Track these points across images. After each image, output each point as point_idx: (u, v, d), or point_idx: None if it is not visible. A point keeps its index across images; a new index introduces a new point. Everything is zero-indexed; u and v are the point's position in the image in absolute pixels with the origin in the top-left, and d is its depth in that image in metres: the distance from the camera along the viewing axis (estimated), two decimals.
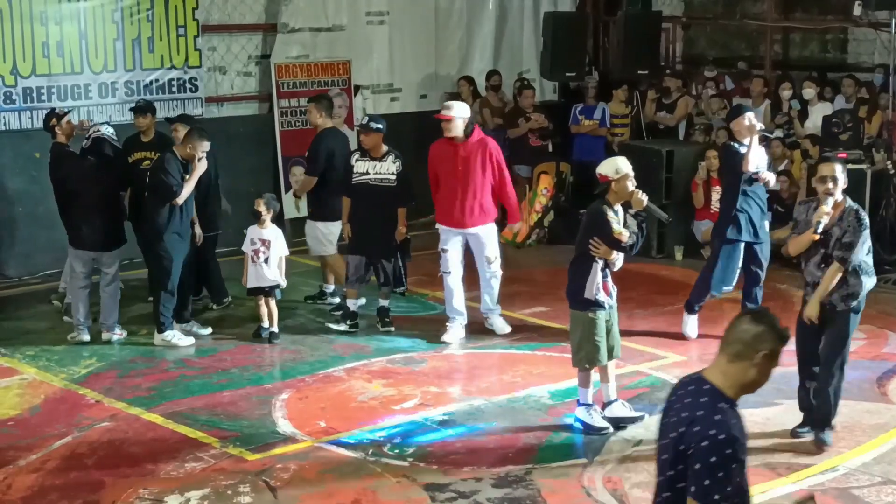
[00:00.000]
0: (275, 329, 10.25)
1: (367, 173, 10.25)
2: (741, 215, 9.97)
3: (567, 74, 14.76)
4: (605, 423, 8.14)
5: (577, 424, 8.16)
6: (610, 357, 8.22)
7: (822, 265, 7.76)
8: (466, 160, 10.07)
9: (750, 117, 9.88)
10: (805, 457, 7.67)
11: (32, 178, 12.17)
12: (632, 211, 8.11)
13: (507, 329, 10.39)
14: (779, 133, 13.66)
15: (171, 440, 8.03)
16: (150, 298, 10.42)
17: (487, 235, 10.23)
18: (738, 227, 9.99)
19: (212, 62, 13.67)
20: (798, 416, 8.31)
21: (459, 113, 10.11)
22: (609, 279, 8.19)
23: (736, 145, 9.92)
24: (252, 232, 10.27)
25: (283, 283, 10.28)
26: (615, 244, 8.04)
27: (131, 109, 11.38)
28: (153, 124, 10.95)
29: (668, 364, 9.59)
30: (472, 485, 7.24)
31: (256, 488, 7.20)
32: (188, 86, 13.34)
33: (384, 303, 10.53)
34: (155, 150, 10.64)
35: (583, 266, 8.11)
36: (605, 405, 8.27)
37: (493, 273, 10.29)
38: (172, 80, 13.22)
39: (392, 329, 10.42)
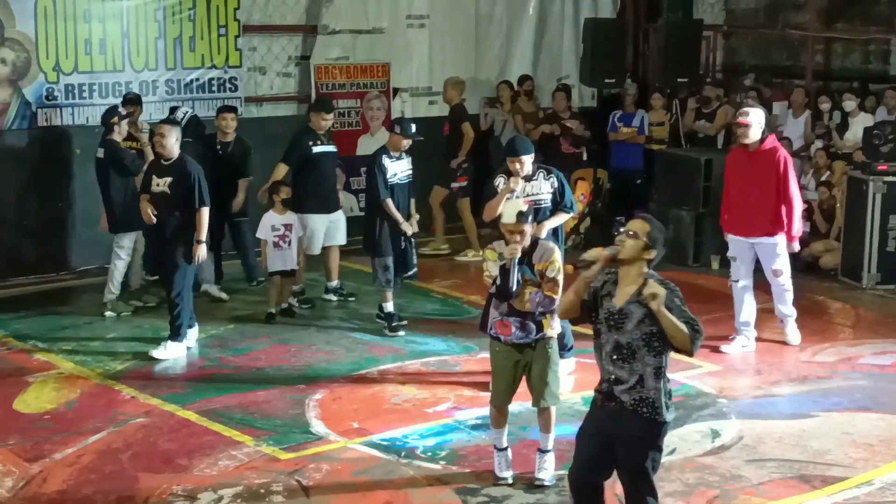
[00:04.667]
0: (292, 301, 11.04)
1: (396, 174, 10.42)
2: None
3: (606, 81, 14.70)
4: (505, 474, 7.36)
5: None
6: (534, 403, 7.41)
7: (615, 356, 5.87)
8: (758, 168, 9.97)
9: None
10: (840, 469, 7.60)
11: (74, 174, 12.25)
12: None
13: (797, 341, 10.28)
14: (819, 143, 13.57)
15: (204, 437, 8.06)
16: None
17: (775, 247, 10.08)
18: None
19: (252, 62, 13.73)
20: (833, 429, 8.26)
21: (756, 119, 9.94)
22: (512, 318, 7.18)
23: None
24: (272, 219, 10.75)
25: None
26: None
27: (123, 100, 11.73)
28: (138, 116, 11.41)
29: (703, 373, 9.54)
30: (504, 490, 7.22)
31: (289, 488, 7.22)
32: (228, 85, 13.42)
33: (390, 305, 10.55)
34: (137, 140, 11.10)
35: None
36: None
37: (780, 286, 10.20)
38: (213, 79, 13.30)
39: (402, 333, 10.46)
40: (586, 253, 5.79)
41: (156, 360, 9.69)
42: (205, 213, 9.67)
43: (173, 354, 9.74)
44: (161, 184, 9.77)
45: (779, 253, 10.09)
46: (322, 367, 9.66)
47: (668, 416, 5.82)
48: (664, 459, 7.62)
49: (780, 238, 10.04)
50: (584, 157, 14.64)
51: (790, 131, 14.06)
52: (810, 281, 12.60)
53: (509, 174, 8.75)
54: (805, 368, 9.71)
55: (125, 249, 10.87)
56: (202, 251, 9.72)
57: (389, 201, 10.33)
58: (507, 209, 7.21)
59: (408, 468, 7.57)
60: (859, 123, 13.32)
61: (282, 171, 11.04)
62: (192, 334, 10.05)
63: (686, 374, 9.49)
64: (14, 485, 7.24)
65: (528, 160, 8.77)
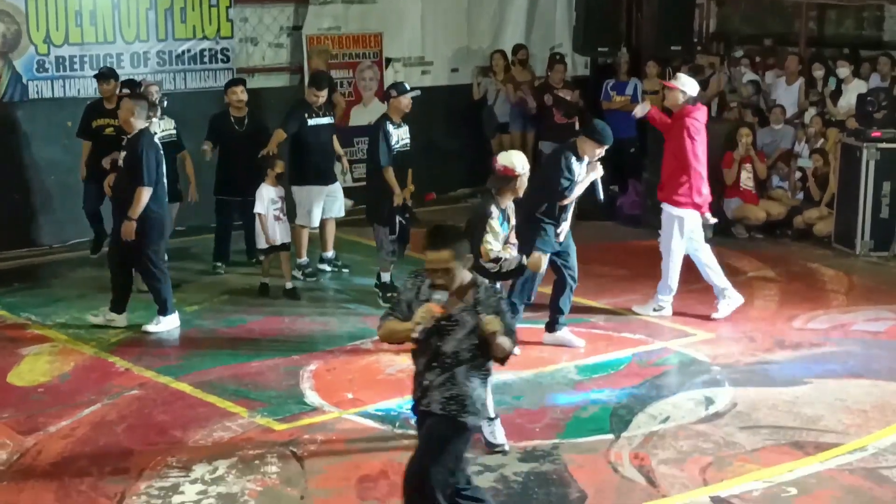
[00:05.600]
0: (296, 274, 10.93)
1: (399, 141, 10.43)
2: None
3: (600, 50, 14.65)
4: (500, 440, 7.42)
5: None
6: None
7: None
8: (670, 134, 10.11)
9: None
10: (833, 436, 7.62)
11: (64, 147, 12.21)
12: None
13: (648, 311, 10.22)
14: (814, 111, 13.55)
15: (199, 409, 8.06)
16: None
17: (664, 215, 10.15)
18: None
19: (243, 33, 13.66)
20: (826, 396, 8.29)
21: (682, 85, 10.06)
22: None
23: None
24: (268, 192, 10.57)
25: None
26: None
27: (95, 76, 11.62)
28: (115, 91, 11.25)
29: (697, 341, 9.56)
30: (498, 459, 7.24)
31: (284, 458, 7.23)
32: (220, 56, 13.35)
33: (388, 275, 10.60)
34: (117, 117, 10.76)
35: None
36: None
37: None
38: (204, 50, 13.23)
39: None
40: (417, 316, 5.58)
41: (149, 333, 9.68)
42: (142, 192, 9.38)
43: (167, 327, 9.73)
44: (120, 159, 9.74)
45: (663, 221, 10.08)
46: (316, 338, 9.66)
47: (472, 420, 5.75)
48: (658, 427, 7.70)
49: (669, 208, 10.00)
50: (577, 126, 14.58)
51: (783, 99, 14.04)
52: (804, 248, 12.63)
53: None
54: (798, 335, 9.72)
55: None
56: (129, 229, 9.42)
57: (390, 170, 10.31)
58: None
59: (402, 438, 7.57)
60: (853, 90, 13.29)
61: (281, 136, 11.00)
62: (171, 320, 9.86)
63: (680, 341, 9.52)
64: (8, 458, 7.25)
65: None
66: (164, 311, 9.75)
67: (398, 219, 10.47)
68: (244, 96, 11.30)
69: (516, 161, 7.90)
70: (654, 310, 10.19)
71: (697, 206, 10.01)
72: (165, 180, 9.72)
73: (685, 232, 10.04)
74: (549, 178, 9.05)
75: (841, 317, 10.25)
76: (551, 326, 9.45)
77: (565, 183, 8.98)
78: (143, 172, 9.37)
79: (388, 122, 10.39)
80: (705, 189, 10.04)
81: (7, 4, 12.05)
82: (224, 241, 11.55)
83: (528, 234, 8.71)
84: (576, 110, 14.48)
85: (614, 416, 7.97)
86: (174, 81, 12.98)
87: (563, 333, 9.43)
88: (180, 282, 11.09)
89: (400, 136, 10.45)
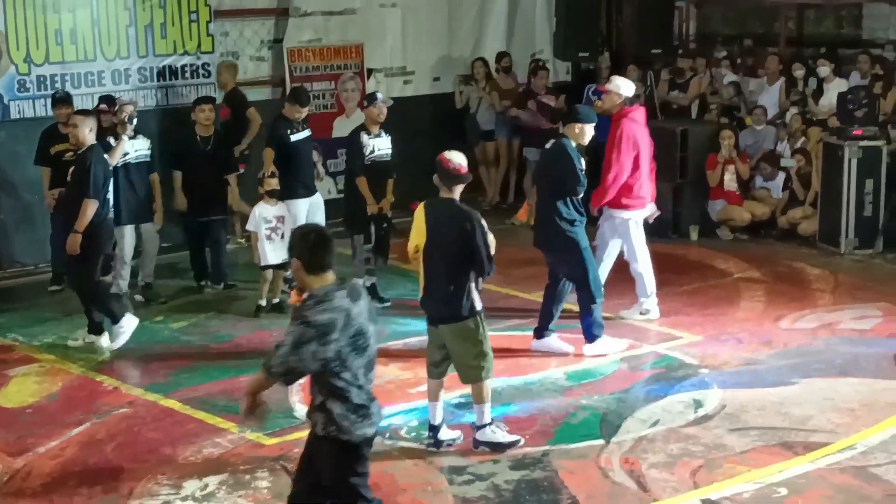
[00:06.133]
0: (277, 298, 10.74)
1: (374, 151, 10.56)
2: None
3: (580, 55, 14.68)
4: (514, 436, 7.60)
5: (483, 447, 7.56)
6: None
7: None
8: (609, 137, 10.14)
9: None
10: (823, 435, 7.64)
11: None
12: None
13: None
14: (794, 110, 13.59)
15: (188, 426, 8.05)
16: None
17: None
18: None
19: (224, 47, 13.65)
20: (814, 395, 8.30)
21: (615, 88, 10.13)
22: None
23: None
24: (263, 210, 10.50)
25: None
26: (488, 254, 7.39)
27: (52, 100, 11.49)
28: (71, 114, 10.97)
29: (684, 344, 9.57)
30: (489, 467, 7.25)
31: (274, 473, 7.23)
32: (201, 71, 13.33)
33: (373, 280, 10.72)
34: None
35: (462, 278, 7.39)
36: (435, 428, 7.65)
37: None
38: (185, 65, 13.21)
39: (389, 303, 10.66)
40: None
41: (136, 350, 9.67)
42: (88, 205, 9.37)
43: (106, 343, 9.69)
44: (70, 174, 9.75)
45: (617, 227, 10.12)
46: None
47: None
48: (647, 431, 7.71)
49: (619, 212, 10.04)
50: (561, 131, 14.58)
51: (764, 99, 14.08)
52: (788, 248, 12.67)
53: None
54: (785, 336, 9.75)
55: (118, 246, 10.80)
56: (74, 241, 9.41)
57: (363, 180, 10.45)
58: None
59: (393, 449, 7.58)
60: (834, 89, 13.34)
61: (271, 155, 10.92)
62: (128, 322, 9.76)
63: (667, 344, 9.54)
64: None
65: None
66: (94, 329, 9.72)
67: (372, 227, 10.60)
68: (212, 115, 11.19)
69: (463, 161, 7.59)
70: (641, 314, 10.21)
71: (641, 205, 10.10)
72: (115, 198, 9.87)
73: (639, 229, 10.14)
74: (562, 171, 9.12)
75: (828, 316, 10.28)
76: (540, 333, 9.45)
77: (580, 168, 9.10)
78: (89, 185, 9.39)
79: (361, 133, 10.56)
80: (647, 186, 10.14)
81: None
82: (200, 260, 11.43)
83: (557, 237, 9.01)
84: (560, 116, 14.49)
85: (604, 421, 7.98)
86: (156, 97, 12.97)
87: (552, 340, 9.44)
88: (166, 298, 11.09)
89: (377, 145, 10.56)
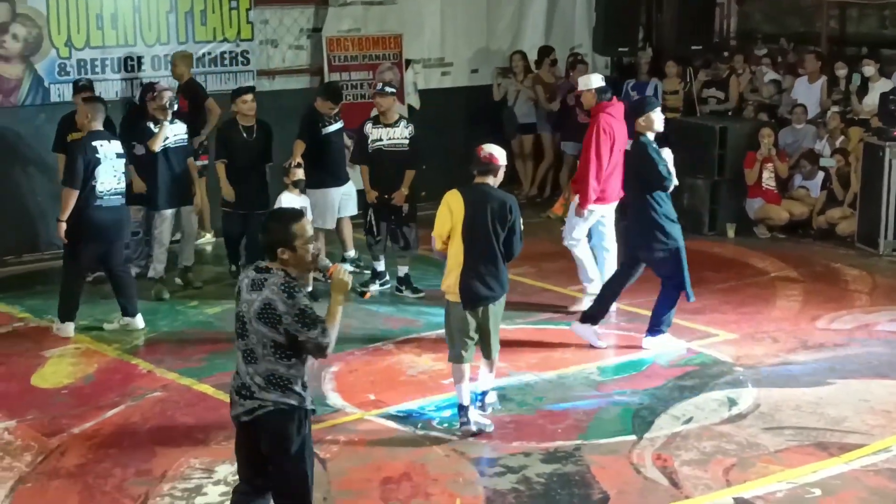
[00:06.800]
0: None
1: (381, 140, 10.63)
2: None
3: (620, 49, 14.63)
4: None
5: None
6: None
7: None
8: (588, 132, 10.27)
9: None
10: (858, 437, 7.58)
11: None
12: None
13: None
14: (835, 109, 13.49)
15: (221, 411, 8.01)
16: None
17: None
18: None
19: (264, 35, 13.68)
20: (850, 396, 8.24)
21: (586, 86, 10.33)
22: None
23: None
24: (288, 199, 10.45)
25: None
26: (521, 240, 7.69)
27: (76, 87, 11.44)
28: None
29: (719, 342, 9.52)
30: (520, 459, 7.23)
31: None
32: (240, 59, 13.37)
33: (406, 269, 10.81)
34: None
35: (500, 260, 7.65)
36: (465, 409, 7.75)
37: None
38: (224, 52, 13.26)
39: (423, 293, 10.67)
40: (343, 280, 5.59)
41: (170, 335, 9.74)
42: (65, 193, 9.50)
43: (62, 334, 9.70)
44: None
45: (569, 217, 10.26)
46: (337, 340, 9.60)
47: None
48: (680, 428, 7.68)
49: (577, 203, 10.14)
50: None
51: (805, 98, 13.97)
52: (826, 248, 12.57)
53: None
54: (822, 336, 9.68)
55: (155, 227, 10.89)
56: (59, 229, 9.56)
57: (362, 168, 10.76)
58: None
59: (424, 439, 7.59)
60: (878, 89, 13.23)
61: (300, 147, 10.98)
62: (66, 329, 9.75)
63: (702, 342, 9.49)
64: (33, 459, 7.28)
65: None
66: (62, 316, 9.75)
67: (371, 216, 10.74)
68: (254, 105, 11.03)
69: (498, 152, 7.74)
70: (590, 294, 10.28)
71: (601, 200, 10.12)
72: (120, 185, 9.63)
73: (587, 225, 10.22)
74: (646, 169, 9.08)
75: (865, 317, 10.19)
76: (655, 331, 9.39)
77: (662, 163, 9.04)
78: (68, 175, 9.54)
79: (367, 123, 10.74)
80: (615, 181, 10.10)
81: (28, 8, 12.10)
82: (236, 251, 11.26)
83: (649, 235, 8.99)
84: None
85: (637, 417, 7.95)
86: None
87: (665, 338, 9.37)
88: (202, 284, 11.14)
89: (386, 135, 10.64)
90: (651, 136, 9.16)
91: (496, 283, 7.65)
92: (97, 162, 9.50)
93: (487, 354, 7.87)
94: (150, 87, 11.42)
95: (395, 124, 10.67)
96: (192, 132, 11.49)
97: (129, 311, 9.88)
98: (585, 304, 9.93)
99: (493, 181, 7.67)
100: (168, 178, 10.71)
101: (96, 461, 7.25)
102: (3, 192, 12.19)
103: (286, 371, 5.52)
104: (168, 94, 10.80)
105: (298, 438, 5.57)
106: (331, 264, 5.58)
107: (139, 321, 9.90)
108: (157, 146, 10.50)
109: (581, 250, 10.28)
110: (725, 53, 15.56)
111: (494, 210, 7.53)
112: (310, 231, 5.54)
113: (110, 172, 9.57)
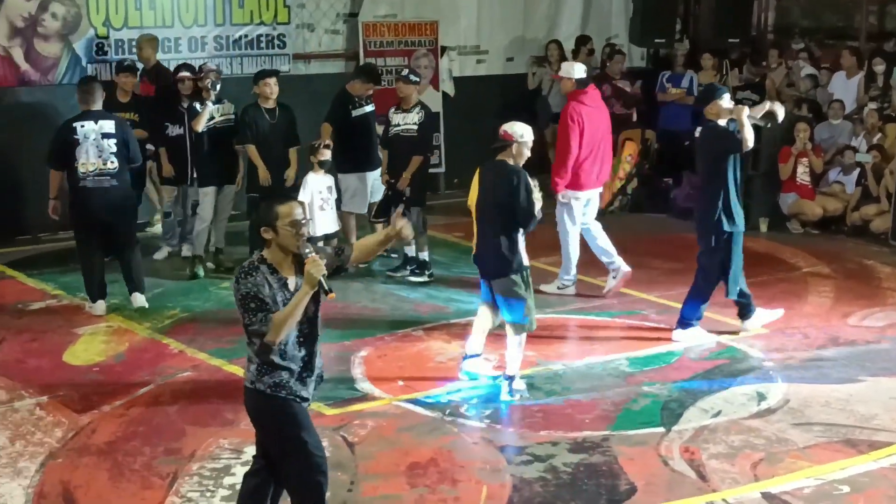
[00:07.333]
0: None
1: (398, 125, 10.77)
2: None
3: (656, 41, 14.58)
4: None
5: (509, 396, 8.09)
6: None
7: None
8: None
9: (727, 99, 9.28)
10: (887, 434, 7.54)
11: None
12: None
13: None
14: (872, 105, 13.40)
15: None
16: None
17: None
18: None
19: (300, 19, 13.72)
20: (880, 394, 8.19)
21: (567, 73, 10.54)
22: None
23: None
24: (315, 182, 10.50)
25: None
26: (530, 210, 7.83)
27: (121, 68, 11.40)
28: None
29: (750, 336, 9.48)
30: (548, 449, 7.24)
31: (334, 443, 7.26)
32: (276, 42, 13.42)
33: (412, 251, 10.88)
34: (134, 110, 10.99)
35: (510, 231, 7.88)
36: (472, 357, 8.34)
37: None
38: (261, 35, 13.30)
39: (425, 279, 10.81)
40: (318, 270, 5.37)
41: (202, 315, 9.79)
42: (49, 172, 9.74)
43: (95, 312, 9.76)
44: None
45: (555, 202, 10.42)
46: (367, 325, 9.69)
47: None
48: (709, 421, 7.66)
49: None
50: (634, 118, 14.53)
51: (842, 93, 13.88)
52: (859, 244, 12.50)
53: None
54: (853, 333, 9.63)
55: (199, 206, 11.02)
56: (50, 207, 9.80)
57: (383, 153, 11.03)
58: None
59: (452, 426, 7.60)
60: None
61: (328, 130, 11.04)
62: (98, 307, 9.82)
63: (732, 336, 9.45)
64: (63, 435, 7.35)
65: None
66: (90, 295, 9.84)
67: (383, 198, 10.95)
68: (276, 88, 10.87)
69: (517, 129, 8.07)
70: (559, 288, 10.50)
71: (579, 187, 10.35)
72: (109, 166, 9.54)
73: (576, 211, 10.42)
74: (720, 141, 9.10)
75: None
76: (746, 314, 9.49)
77: (737, 140, 8.99)
78: (47, 153, 9.73)
79: (392, 108, 10.92)
80: (588, 167, 10.35)
81: None
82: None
83: (711, 220, 9.10)
84: (634, 101, 14.43)
85: (665, 409, 7.93)
86: (230, 66, 13.07)
87: (761, 314, 9.53)
88: (234, 265, 11.17)
89: (402, 120, 10.78)
90: (722, 122, 9.15)
91: (494, 261, 7.94)
92: (75, 143, 9.46)
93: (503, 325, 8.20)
94: (186, 67, 11.45)
95: (410, 110, 10.77)
96: (158, 117, 11.21)
97: (130, 289, 9.94)
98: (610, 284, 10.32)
99: (509, 157, 7.97)
100: (209, 157, 10.76)
101: (126, 439, 7.31)
102: (39, 169, 12.24)
103: (256, 356, 5.53)
104: (212, 76, 10.84)
105: (273, 423, 5.56)
106: (310, 253, 5.42)
107: (138, 299, 9.91)
108: (201, 126, 10.57)
109: (569, 244, 10.46)
110: (759, 54, 15.44)
111: (498, 185, 7.88)
112: (298, 214, 5.45)
113: (93, 153, 9.47)
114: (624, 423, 7.69)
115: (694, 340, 9.26)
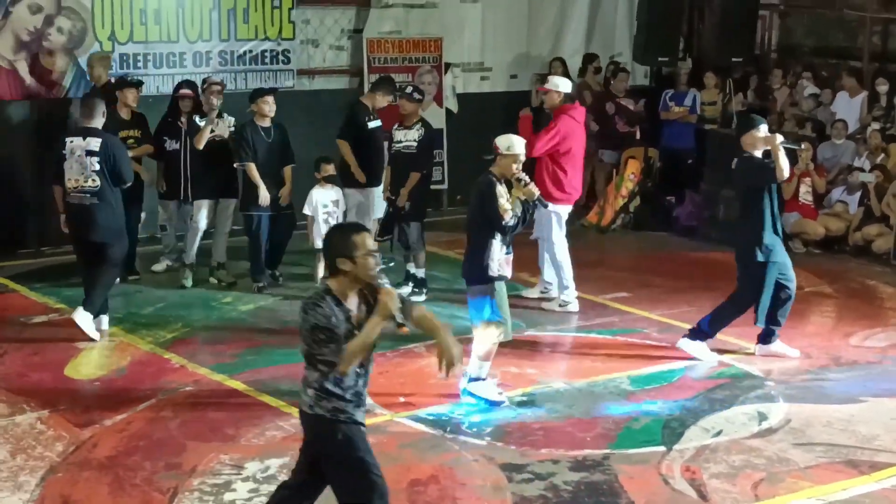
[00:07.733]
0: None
1: (400, 141, 10.83)
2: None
3: (660, 59, 14.59)
4: (502, 397, 8.31)
5: (480, 402, 8.21)
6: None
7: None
8: None
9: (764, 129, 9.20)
10: (889, 455, 7.53)
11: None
12: (522, 197, 8.20)
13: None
14: (875, 125, 13.41)
15: (252, 408, 8.12)
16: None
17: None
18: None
19: (305, 35, 13.76)
20: (882, 415, 8.18)
21: (554, 86, 10.64)
22: (511, 254, 8.27)
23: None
24: (320, 195, 10.70)
25: None
26: (497, 219, 8.04)
27: (130, 83, 11.21)
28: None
29: (751, 356, 9.47)
30: (549, 467, 7.23)
31: None
32: (281, 58, 13.45)
33: (412, 268, 10.86)
34: (136, 127, 10.99)
35: (482, 241, 8.11)
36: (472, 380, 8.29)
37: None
38: (265, 51, 13.34)
39: (421, 295, 10.71)
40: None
41: (204, 330, 9.80)
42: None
43: (80, 322, 9.47)
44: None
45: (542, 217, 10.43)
46: None
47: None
48: (710, 440, 7.65)
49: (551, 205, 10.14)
50: (637, 135, 14.56)
51: (845, 113, 13.89)
52: (862, 264, 12.49)
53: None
54: (855, 353, 9.62)
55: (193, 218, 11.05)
56: (61, 221, 9.76)
57: (386, 169, 11.02)
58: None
59: (453, 443, 7.60)
60: None
61: (346, 147, 11.03)
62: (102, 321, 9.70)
63: (734, 355, 9.45)
64: (64, 450, 7.34)
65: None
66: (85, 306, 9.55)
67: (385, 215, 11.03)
68: (274, 106, 10.81)
69: (502, 141, 8.28)
70: (560, 306, 10.50)
71: (569, 200, 10.50)
72: (89, 184, 9.33)
73: (562, 225, 10.50)
74: (754, 172, 9.08)
75: None
76: (766, 338, 9.41)
77: (771, 171, 8.96)
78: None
79: (395, 126, 10.96)
80: (576, 182, 10.55)
81: (74, 1, 12.24)
82: (259, 258, 11.02)
83: (746, 250, 9.12)
84: (637, 119, 14.45)
85: (666, 428, 7.93)
86: (235, 82, 13.09)
87: (777, 346, 9.42)
88: (235, 280, 11.19)
89: (403, 137, 10.82)
90: (758, 153, 9.10)
91: (467, 267, 8.28)
92: (63, 157, 9.42)
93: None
94: (187, 84, 11.46)
95: (411, 127, 10.81)
96: (157, 132, 11.25)
97: (85, 305, 9.47)
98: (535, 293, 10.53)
99: (495, 169, 8.22)
100: (204, 171, 10.83)
101: (127, 454, 7.31)
102: (43, 183, 12.27)
103: (316, 382, 5.58)
104: (215, 90, 10.90)
105: (335, 446, 5.56)
106: (386, 283, 5.48)
107: (77, 312, 9.41)
108: (202, 144, 10.62)
109: (561, 257, 10.49)
110: (763, 72, 15.46)
111: (473, 196, 8.27)
112: (371, 244, 5.45)
113: (77, 169, 9.35)
114: (625, 442, 7.68)
115: (696, 354, 9.25)
